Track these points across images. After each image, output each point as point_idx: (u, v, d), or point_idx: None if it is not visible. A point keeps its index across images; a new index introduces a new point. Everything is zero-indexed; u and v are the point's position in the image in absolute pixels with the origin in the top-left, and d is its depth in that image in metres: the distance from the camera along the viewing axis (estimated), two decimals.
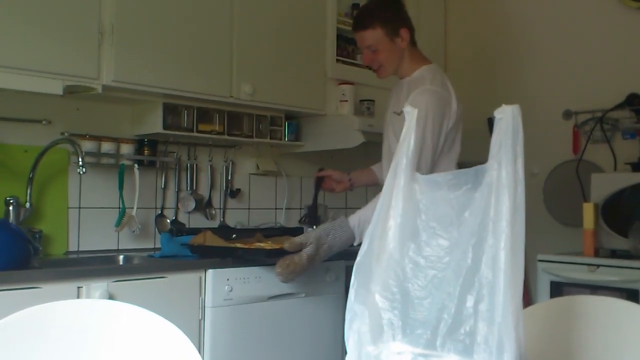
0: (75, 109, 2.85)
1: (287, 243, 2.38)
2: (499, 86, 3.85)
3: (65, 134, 2.77)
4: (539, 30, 3.75)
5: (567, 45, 3.63)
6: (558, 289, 2.90)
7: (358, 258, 1.05)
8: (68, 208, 2.81)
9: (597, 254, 2.94)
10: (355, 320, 1.01)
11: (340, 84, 3.40)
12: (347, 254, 2.92)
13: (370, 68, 2.66)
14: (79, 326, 1.31)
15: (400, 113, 2.47)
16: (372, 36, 2.52)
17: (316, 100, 3.33)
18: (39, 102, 2.70)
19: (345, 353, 1.06)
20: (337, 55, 3.42)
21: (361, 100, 3.43)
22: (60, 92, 2.44)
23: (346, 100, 3.37)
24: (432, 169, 2.39)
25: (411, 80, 2.55)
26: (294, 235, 2.77)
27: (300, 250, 2.37)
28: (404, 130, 1.06)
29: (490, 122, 1.02)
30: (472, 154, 2.26)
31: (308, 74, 3.29)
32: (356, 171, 2.96)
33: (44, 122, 2.74)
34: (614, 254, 2.94)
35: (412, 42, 2.59)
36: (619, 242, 2.90)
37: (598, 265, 2.84)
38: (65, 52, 2.45)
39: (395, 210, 1.04)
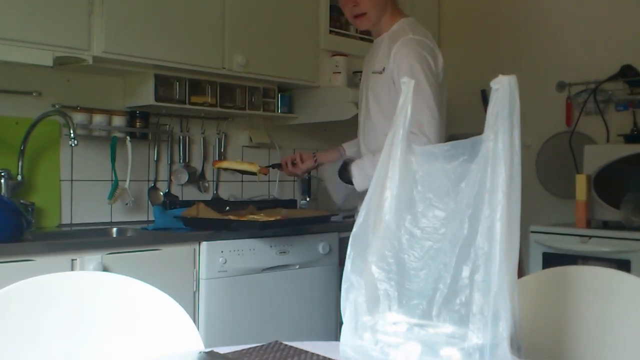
0: (65, 80, 2.82)
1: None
2: (492, 58, 3.83)
3: (56, 106, 2.74)
4: (533, 1, 3.73)
5: (562, 17, 3.61)
6: (550, 259, 2.93)
7: (354, 229, 1.05)
8: (60, 180, 2.80)
9: (589, 225, 2.97)
10: (352, 291, 1.02)
11: (333, 55, 3.37)
12: (341, 225, 2.94)
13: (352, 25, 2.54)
14: (76, 298, 1.31)
15: (382, 71, 2.35)
16: None
17: (309, 72, 3.31)
18: (29, 74, 2.67)
19: (341, 323, 1.06)
20: (330, 27, 3.38)
21: (354, 72, 3.41)
22: (51, 63, 2.41)
23: (339, 72, 3.35)
24: (441, 127, 2.24)
25: (390, 33, 2.40)
26: (287, 208, 2.77)
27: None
28: (400, 100, 1.05)
29: (484, 94, 1.02)
30: (465, 126, 2.25)
31: (301, 45, 3.26)
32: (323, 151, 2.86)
33: (34, 94, 2.72)
34: (605, 225, 2.97)
35: None
36: (610, 214, 2.91)
37: (590, 237, 2.86)
38: (55, 23, 2.41)
39: (392, 182, 1.03)
